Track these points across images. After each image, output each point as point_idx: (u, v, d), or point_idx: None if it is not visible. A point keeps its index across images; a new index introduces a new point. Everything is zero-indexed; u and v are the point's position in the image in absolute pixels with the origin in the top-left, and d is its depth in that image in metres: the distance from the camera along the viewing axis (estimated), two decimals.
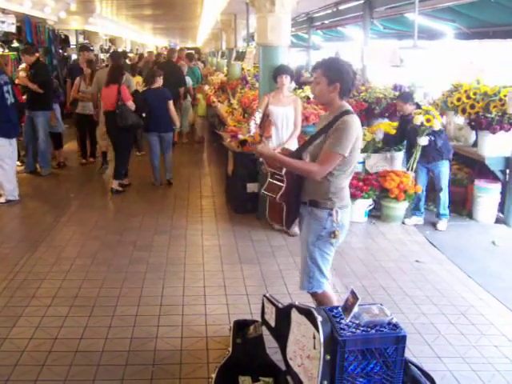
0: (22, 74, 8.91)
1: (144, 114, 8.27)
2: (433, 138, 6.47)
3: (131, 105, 8.12)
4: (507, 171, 6.82)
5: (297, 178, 3.55)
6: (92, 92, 9.37)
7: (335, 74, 3.42)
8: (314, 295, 3.73)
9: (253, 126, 3.36)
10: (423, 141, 6.48)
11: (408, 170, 6.83)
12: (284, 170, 3.51)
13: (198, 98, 12.68)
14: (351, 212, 3.74)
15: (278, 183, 3.56)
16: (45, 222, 6.84)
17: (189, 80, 11.95)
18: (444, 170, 6.68)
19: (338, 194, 3.50)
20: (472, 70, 7.85)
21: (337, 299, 3.75)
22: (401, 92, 7.91)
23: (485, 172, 7.08)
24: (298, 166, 3.48)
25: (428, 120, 6.39)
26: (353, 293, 2.87)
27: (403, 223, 6.86)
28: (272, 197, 3.60)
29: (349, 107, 3.50)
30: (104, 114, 8.48)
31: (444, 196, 6.73)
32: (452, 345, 4.04)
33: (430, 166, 6.74)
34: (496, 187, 6.88)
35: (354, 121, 3.41)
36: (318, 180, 3.43)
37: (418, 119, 6.44)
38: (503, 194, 6.89)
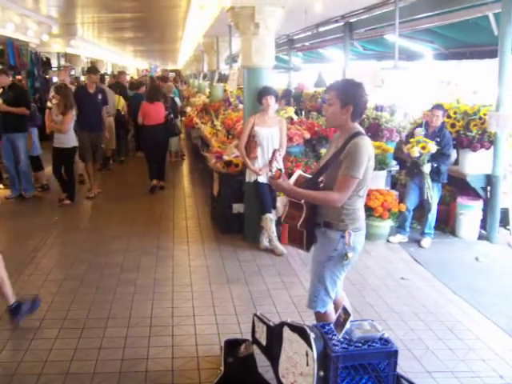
0: None
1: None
2: (435, 165, 6.55)
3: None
4: (488, 188, 6.93)
5: (314, 205, 3.57)
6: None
7: (349, 96, 3.43)
8: (316, 314, 3.72)
9: (274, 167, 3.30)
10: (426, 168, 6.53)
11: (426, 197, 6.70)
12: (303, 200, 3.53)
13: None
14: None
15: (297, 212, 3.59)
16: (30, 245, 6.79)
17: (178, 101, 12.10)
18: (436, 191, 6.75)
19: (351, 216, 3.50)
20: (452, 90, 7.99)
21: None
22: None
23: (466, 189, 7.19)
24: (319, 197, 3.48)
25: (423, 148, 6.42)
26: (344, 309, 2.92)
27: (388, 241, 6.93)
28: (293, 225, 3.62)
29: (360, 129, 3.53)
30: (147, 127, 9.37)
31: (432, 217, 6.81)
32: (440, 360, 4.10)
33: (423, 186, 6.72)
34: (478, 204, 6.99)
35: (365, 142, 3.42)
36: (338, 206, 3.43)
37: (415, 152, 6.45)
38: (485, 210, 6.99)
